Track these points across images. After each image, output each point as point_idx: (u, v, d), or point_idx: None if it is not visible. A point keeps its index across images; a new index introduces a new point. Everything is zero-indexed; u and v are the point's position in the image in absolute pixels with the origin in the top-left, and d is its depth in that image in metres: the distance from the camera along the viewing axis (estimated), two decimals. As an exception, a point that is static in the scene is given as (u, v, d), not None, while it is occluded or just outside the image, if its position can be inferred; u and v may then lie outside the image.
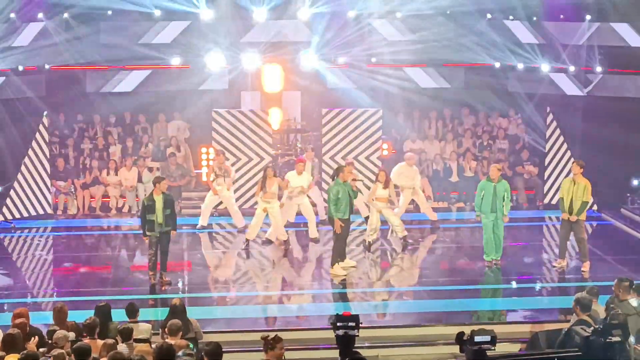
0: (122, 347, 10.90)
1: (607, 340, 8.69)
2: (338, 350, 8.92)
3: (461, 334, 8.60)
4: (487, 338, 8.30)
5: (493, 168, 17.49)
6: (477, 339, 8.30)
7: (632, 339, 11.74)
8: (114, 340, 11.05)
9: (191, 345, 11.09)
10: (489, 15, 23.84)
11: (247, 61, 23.30)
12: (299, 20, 23.47)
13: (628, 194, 21.80)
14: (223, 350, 9.51)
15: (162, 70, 23.45)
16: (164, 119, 24.04)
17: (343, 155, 21.74)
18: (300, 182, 18.95)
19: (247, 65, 23.37)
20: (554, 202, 22.13)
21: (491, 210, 17.17)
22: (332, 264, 17.07)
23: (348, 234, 17.33)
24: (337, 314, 8.94)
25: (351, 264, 17.41)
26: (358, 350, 9.05)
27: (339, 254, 17.10)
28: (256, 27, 23.60)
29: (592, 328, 10.70)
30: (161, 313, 12.81)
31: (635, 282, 12.63)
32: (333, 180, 17.17)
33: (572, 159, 22.06)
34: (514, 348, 13.43)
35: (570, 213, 16.96)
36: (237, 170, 21.57)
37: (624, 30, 21.77)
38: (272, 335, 9.86)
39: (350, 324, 8.84)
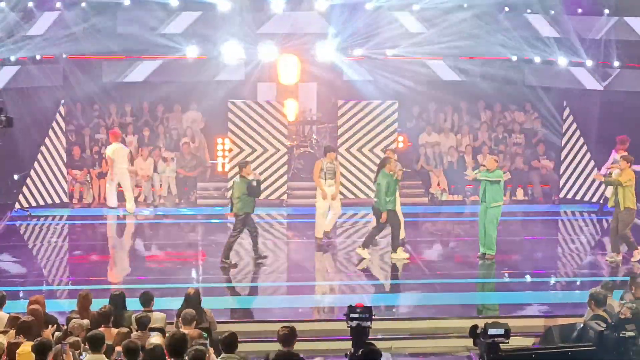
0: (136, 336, 10.94)
1: (621, 335, 8.67)
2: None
3: (475, 327, 8.62)
4: (501, 331, 8.31)
5: (490, 159, 17.42)
6: (491, 331, 8.31)
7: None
8: (128, 329, 11.10)
9: (205, 335, 11.12)
10: (506, 9, 23.74)
11: (263, 52, 23.29)
12: (315, 11, 23.43)
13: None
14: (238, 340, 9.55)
15: (178, 60, 23.44)
16: (180, 110, 24.07)
17: (358, 147, 21.75)
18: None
19: (264, 57, 23.36)
20: (569, 196, 22.09)
21: (481, 200, 17.12)
22: (395, 249, 17.31)
23: (400, 222, 17.39)
24: (351, 305, 8.96)
25: (366, 256, 17.43)
26: (372, 342, 9.08)
27: (397, 240, 17.35)
28: (273, 18, 23.57)
29: (606, 323, 10.71)
30: (175, 302, 12.85)
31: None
32: (379, 172, 17.29)
33: (589, 153, 22.11)
34: (528, 342, 13.42)
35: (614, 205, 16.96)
36: (252, 161, 21.57)
37: (642, 24, 21.69)
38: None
39: (364, 315, 8.86)
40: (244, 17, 23.37)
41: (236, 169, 21.37)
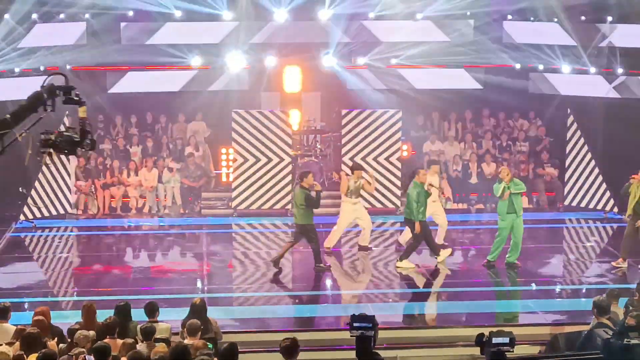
0: (141, 347, 10.94)
1: (626, 342, 8.64)
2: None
3: (481, 335, 8.57)
4: (506, 340, 8.27)
5: (505, 169, 17.45)
6: (495, 340, 8.27)
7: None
8: (133, 340, 11.09)
9: (210, 346, 11.11)
10: (510, 16, 23.76)
11: (267, 62, 23.35)
12: (319, 21, 23.47)
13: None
14: (242, 350, 9.51)
15: (183, 70, 23.48)
16: (184, 120, 24.10)
17: (362, 157, 21.75)
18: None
19: (267, 66, 23.41)
20: (574, 203, 22.06)
21: (508, 211, 17.15)
22: (402, 259, 17.44)
23: (427, 233, 17.45)
24: (354, 314, 8.94)
25: (411, 266, 17.52)
26: (377, 351, 9.06)
27: (411, 252, 17.50)
28: (276, 28, 23.60)
29: (612, 330, 10.67)
30: (181, 313, 12.85)
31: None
32: (409, 182, 17.47)
33: (594, 161, 22.10)
34: (534, 350, 13.37)
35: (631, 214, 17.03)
36: (256, 171, 21.63)
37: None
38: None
39: (367, 324, 8.83)
40: (248, 27, 23.41)
41: (241, 179, 21.52)
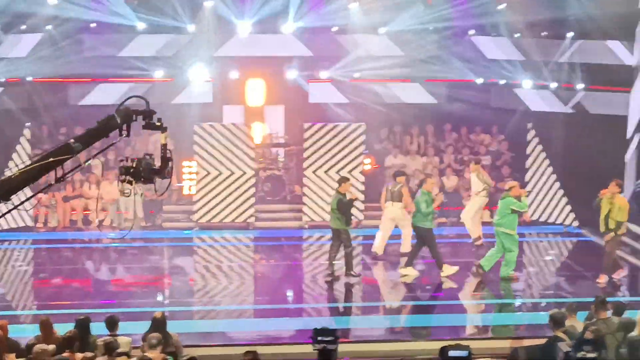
0: (101, 361, 10.87)
1: (581, 356, 8.76)
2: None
3: (445, 348, 8.64)
4: (464, 353, 8.34)
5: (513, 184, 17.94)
6: (452, 353, 8.35)
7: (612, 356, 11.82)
8: (92, 354, 11.01)
9: (170, 359, 11.06)
10: (472, 32, 23.96)
11: (230, 75, 23.33)
12: (282, 34, 23.51)
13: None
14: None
15: (145, 83, 23.38)
16: (147, 132, 23.94)
17: (325, 170, 21.79)
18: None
19: (231, 79, 23.39)
20: (534, 217, 22.20)
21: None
22: (407, 265, 17.79)
23: (432, 242, 17.70)
24: (316, 328, 8.96)
25: (414, 273, 17.78)
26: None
27: (414, 257, 17.87)
28: (240, 41, 23.61)
29: (571, 343, 10.76)
30: (141, 326, 12.76)
31: (615, 299, 12.71)
32: (417, 191, 18.04)
33: (554, 175, 22.31)
34: (493, 364, 13.46)
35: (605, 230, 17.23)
36: (218, 184, 21.58)
37: (605, 47, 21.92)
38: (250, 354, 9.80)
39: (329, 338, 8.86)
40: (211, 40, 23.39)
41: (203, 191, 21.47)
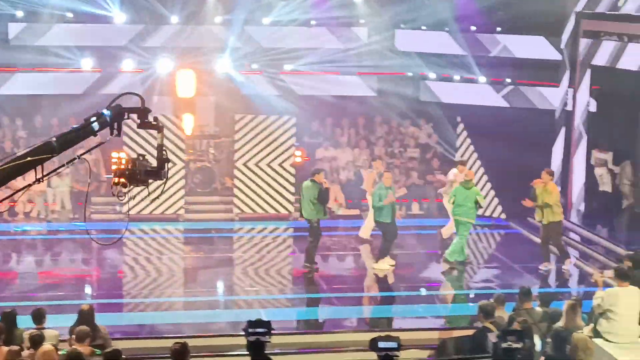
0: (26, 354, 10.69)
1: (507, 345, 8.91)
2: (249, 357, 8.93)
3: (375, 339, 8.68)
4: (393, 344, 8.39)
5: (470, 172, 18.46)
6: (382, 344, 8.40)
7: (538, 345, 12.01)
8: (18, 347, 10.83)
9: (98, 352, 10.93)
10: (402, 25, 24.11)
11: (160, 66, 23.12)
12: (213, 25, 23.36)
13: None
14: (129, 356, 9.41)
15: (73, 73, 23.02)
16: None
17: (256, 162, 21.74)
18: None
19: (161, 70, 23.18)
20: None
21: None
22: (378, 260, 17.89)
23: (396, 235, 17.88)
24: (250, 320, 8.96)
25: (391, 263, 17.88)
26: (270, 356, 9.08)
27: (386, 251, 17.89)
28: (170, 31, 23.40)
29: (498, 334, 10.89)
30: (68, 319, 12.61)
31: (539, 290, 12.93)
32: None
33: (482, 168, 22.59)
34: (422, 354, 13.58)
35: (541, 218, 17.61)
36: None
37: (534, 42, 22.27)
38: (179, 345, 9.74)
39: (262, 330, 8.86)
40: (141, 30, 23.14)
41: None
